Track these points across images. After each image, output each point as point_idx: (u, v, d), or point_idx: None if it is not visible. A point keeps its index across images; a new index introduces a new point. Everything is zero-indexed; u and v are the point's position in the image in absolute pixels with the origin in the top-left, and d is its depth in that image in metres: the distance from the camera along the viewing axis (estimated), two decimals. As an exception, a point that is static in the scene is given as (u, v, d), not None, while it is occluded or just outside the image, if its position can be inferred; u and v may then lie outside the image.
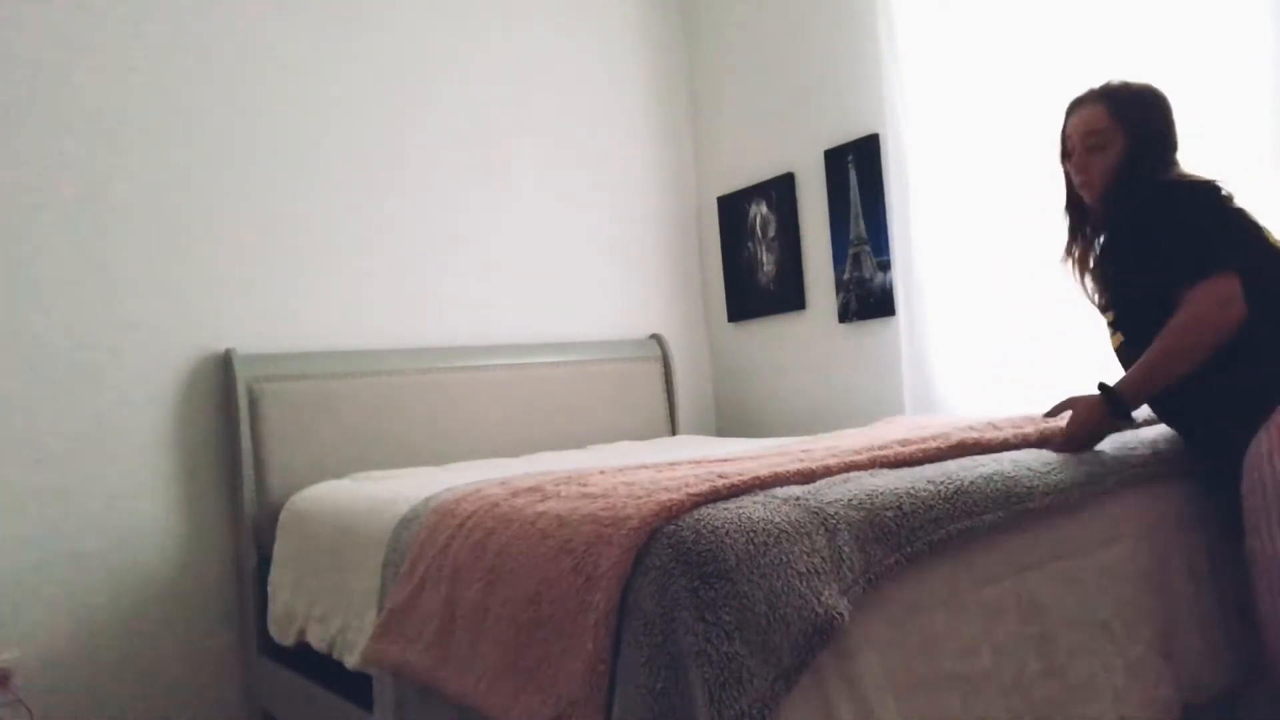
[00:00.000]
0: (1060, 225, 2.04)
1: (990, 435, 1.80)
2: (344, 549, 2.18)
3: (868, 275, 3.24)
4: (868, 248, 3.24)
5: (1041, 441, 1.81)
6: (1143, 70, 2.43)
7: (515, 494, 1.69)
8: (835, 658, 1.23)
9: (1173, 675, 1.63)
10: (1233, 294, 1.63)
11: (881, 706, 1.25)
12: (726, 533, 1.25)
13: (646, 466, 1.93)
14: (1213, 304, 1.62)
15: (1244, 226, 1.74)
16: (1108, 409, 1.72)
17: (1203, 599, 1.74)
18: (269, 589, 2.53)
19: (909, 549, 1.34)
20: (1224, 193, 1.75)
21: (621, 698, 1.23)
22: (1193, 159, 1.91)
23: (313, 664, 2.32)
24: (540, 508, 1.56)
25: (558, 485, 1.67)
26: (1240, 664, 1.75)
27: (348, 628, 2.08)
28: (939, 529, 1.39)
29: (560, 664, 1.32)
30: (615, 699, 1.24)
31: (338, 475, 2.74)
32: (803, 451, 1.86)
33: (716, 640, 1.16)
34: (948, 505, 1.42)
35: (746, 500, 1.36)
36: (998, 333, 2.82)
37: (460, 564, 1.62)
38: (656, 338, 3.71)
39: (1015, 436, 1.80)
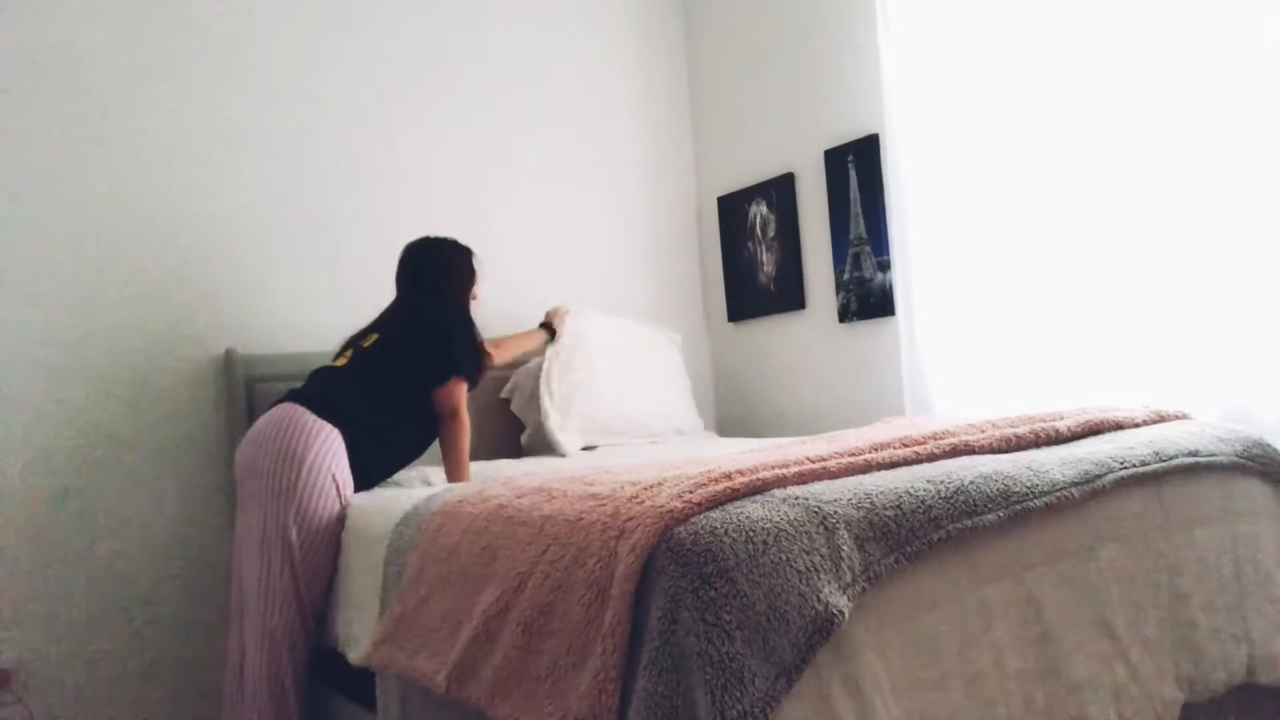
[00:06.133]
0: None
1: (989, 435, 1.80)
2: (345, 546, 2.18)
3: (868, 275, 3.25)
4: (868, 248, 3.24)
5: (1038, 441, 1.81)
6: (1142, 68, 2.44)
7: (521, 494, 1.68)
8: (835, 658, 1.24)
9: (1173, 674, 1.64)
10: None
11: (882, 706, 1.25)
12: (725, 532, 1.26)
13: (648, 465, 1.93)
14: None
15: None
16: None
17: (1203, 597, 1.74)
18: (270, 588, 2.52)
19: (908, 548, 1.35)
20: None
21: (625, 705, 1.23)
22: (1191, 156, 1.89)
23: (313, 664, 2.32)
24: (548, 509, 1.55)
25: (563, 486, 1.66)
26: (1241, 662, 1.75)
27: (350, 622, 2.09)
28: (938, 528, 1.39)
29: (570, 677, 1.31)
30: (625, 709, 1.24)
31: (338, 475, 2.74)
32: (802, 452, 1.86)
33: (718, 641, 1.16)
34: (947, 505, 1.43)
35: (745, 500, 1.37)
36: (997, 333, 2.82)
37: (468, 571, 1.62)
38: (656, 337, 3.70)
39: (1014, 436, 1.81)
